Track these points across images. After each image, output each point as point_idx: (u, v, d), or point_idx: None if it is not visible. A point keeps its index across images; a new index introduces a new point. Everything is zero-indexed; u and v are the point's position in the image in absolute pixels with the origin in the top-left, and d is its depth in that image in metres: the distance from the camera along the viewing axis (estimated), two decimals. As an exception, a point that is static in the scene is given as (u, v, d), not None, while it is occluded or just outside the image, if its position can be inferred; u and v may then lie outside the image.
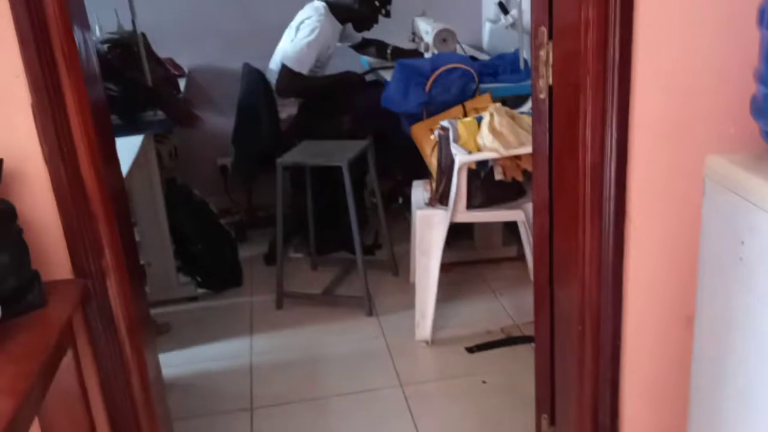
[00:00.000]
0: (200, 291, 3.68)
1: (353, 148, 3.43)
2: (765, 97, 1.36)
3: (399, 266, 3.79)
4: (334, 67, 4.11)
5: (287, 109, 3.97)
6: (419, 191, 3.26)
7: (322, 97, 3.98)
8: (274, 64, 3.96)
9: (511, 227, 3.53)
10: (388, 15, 4.09)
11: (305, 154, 3.50)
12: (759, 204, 1.34)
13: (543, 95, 1.89)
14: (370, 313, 3.41)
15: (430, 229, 3.00)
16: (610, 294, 1.73)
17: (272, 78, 3.93)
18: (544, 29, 1.83)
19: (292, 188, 3.94)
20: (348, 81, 4.07)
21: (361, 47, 4.39)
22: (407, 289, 3.40)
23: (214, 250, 3.71)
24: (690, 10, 1.50)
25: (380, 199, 3.71)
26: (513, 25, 3.84)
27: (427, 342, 3.12)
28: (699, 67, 1.52)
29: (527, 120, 2.84)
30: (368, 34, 4.28)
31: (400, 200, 3.98)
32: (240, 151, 4.15)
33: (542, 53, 1.84)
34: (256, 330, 3.38)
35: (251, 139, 3.96)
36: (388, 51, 4.27)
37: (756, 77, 1.38)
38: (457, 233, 3.35)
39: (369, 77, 4.19)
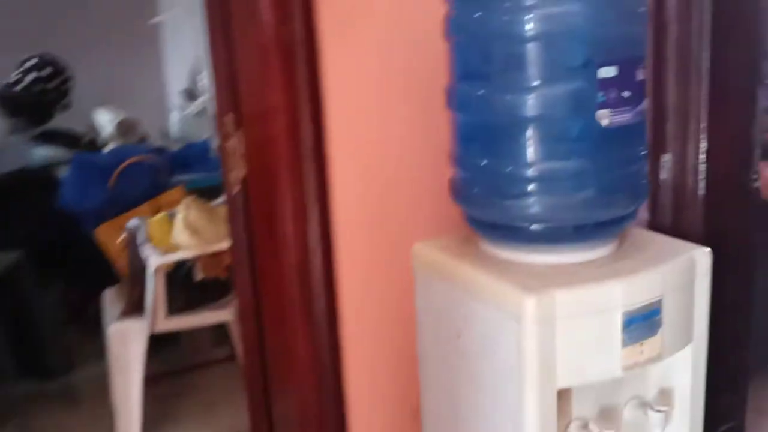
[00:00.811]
0: None
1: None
2: (463, 181, 1.32)
3: (95, 389, 3.30)
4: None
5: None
6: (111, 301, 2.89)
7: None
8: None
9: (221, 325, 3.28)
10: (66, 107, 3.72)
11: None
12: (470, 292, 1.28)
13: (236, 189, 1.72)
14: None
15: (126, 344, 2.65)
16: (331, 397, 1.61)
17: None
18: (230, 117, 1.68)
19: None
20: (24, 179, 3.57)
21: (40, 140, 3.90)
22: (107, 415, 2.94)
23: None
24: (380, 95, 1.45)
25: (54, 314, 3.24)
26: (202, 113, 3.69)
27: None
28: (396, 153, 1.47)
29: (225, 212, 2.66)
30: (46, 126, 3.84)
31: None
32: None
33: (231, 144, 1.68)
34: None
35: None
36: (73, 144, 3.85)
37: (452, 160, 1.34)
38: (161, 339, 3.02)
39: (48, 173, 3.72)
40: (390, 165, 1.48)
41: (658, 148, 1.55)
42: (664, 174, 1.56)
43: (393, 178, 1.48)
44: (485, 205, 1.28)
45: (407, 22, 1.45)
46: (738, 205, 1.63)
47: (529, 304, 1.14)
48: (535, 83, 1.17)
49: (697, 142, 1.53)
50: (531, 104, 1.17)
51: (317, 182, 1.46)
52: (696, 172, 1.55)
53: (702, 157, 1.54)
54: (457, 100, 1.30)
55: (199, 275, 2.67)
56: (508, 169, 1.22)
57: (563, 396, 1.22)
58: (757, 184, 1.63)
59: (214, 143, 3.48)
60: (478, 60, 1.24)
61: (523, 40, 1.16)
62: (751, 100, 1.58)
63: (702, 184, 1.56)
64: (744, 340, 1.69)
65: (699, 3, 1.46)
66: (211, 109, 3.44)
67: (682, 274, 1.27)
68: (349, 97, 1.43)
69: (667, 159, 1.55)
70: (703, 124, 1.52)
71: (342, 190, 1.46)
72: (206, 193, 3.18)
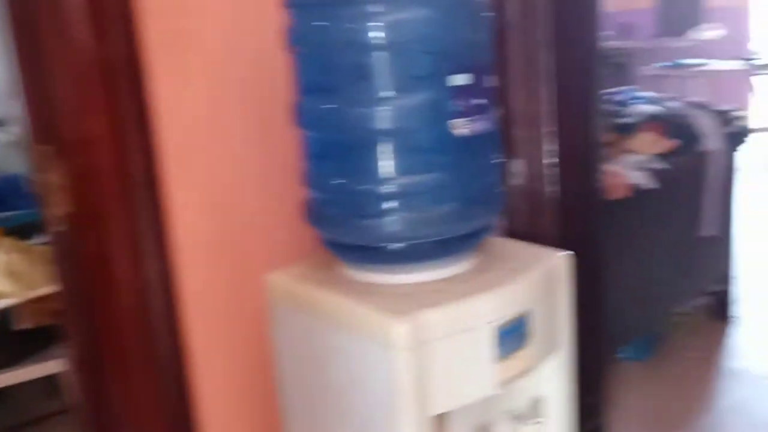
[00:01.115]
0: None
1: None
2: (317, 202, 1.23)
3: None
4: None
5: None
6: None
7: None
8: None
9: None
10: None
11: None
12: (333, 321, 1.19)
13: (59, 228, 1.53)
14: None
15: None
16: (185, 446, 1.44)
17: None
18: (46, 147, 1.49)
19: None
20: None
21: None
22: None
23: None
24: (218, 116, 1.33)
25: None
26: (12, 142, 3.35)
27: None
28: (240, 177, 1.36)
29: (47, 252, 2.41)
30: None
31: None
32: None
33: (49, 177, 1.49)
34: None
35: None
36: None
37: (303, 181, 1.24)
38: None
39: None
40: (235, 190, 1.36)
41: (509, 155, 1.54)
42: (517, 180, 1.56)
43: (239, 204, 1.36)
44: (342, 226, 1.20)
45: (244, 34, 1.34)
46: (587, 207, 1.66)
47: (399, 330, 1.06)
48: (386, 95, 1.10)
49: (547, 146, 1.54)
50: (383, 117, 1.11)
51: (152, 215, 1.32)
52: (547, 176, 1.56)
53: (552, 161, 1.55)
54: (303, 116, 1.21)
55: (22, 324, 2.40)
56: (363, 187, 1.15)
57: (437, 421, 1.16)
58: (601, 185, 1.67)
59: (29, 176, 3.17)
60: (324, 72, 1.16)
61: (370, 49, 1.09)
62: (593, 103, 1.62)
63: (553, 188, 1.57)
64: (600, 339, 1.72)
65: (540, 9, 1.47)
66: (24, 138, 3.13)
67: (546, 281, 1.25)
68: (183, 119, 1.30)
69: (518, 164, 1.55)
70: (552, 129, 1.54)
71: (182, 222, 1.32)
72: (21, 231, 2.87)
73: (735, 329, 3.00)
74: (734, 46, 5.47)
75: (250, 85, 1.34)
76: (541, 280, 1.24)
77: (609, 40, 4.01)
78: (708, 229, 2.73)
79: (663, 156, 2.49)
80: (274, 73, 1.30)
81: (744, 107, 5.47)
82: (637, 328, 2.61)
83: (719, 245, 2.88)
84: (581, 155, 1.62)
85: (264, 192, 1.37)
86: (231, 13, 1.33)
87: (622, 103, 2.73)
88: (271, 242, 1.38)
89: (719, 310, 3.05)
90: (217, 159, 1.34)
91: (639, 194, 2.32)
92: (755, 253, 3.54)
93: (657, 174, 2.40)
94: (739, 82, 5.49)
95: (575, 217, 1.61)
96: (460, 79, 1.12)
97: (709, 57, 5.24)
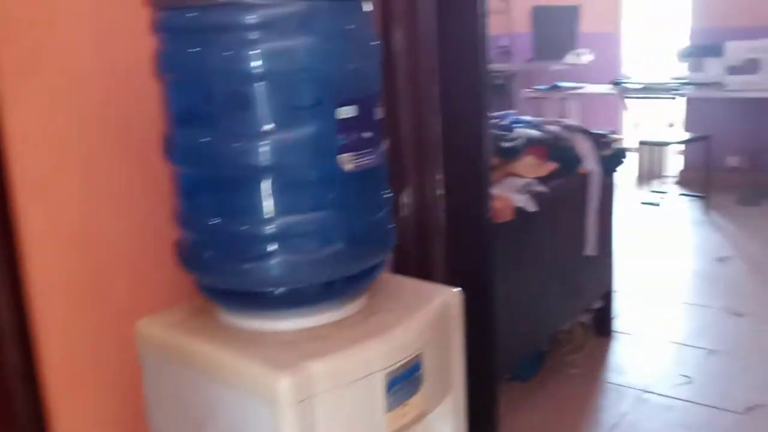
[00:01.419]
0: None
1: None
2: (191, 244, 1.12)
3: None
4: None
5: None
6: None
7: None
8: None
9: None
10: None
11: None
12: (211, 373, 1.08)
13: None
14: None
15: None
16: None
17: None
18: None
19: None
20: None
21: None
22: None
23: None
24: (83, 148, 1.20)
25: None
26: None
27: None
28: (107, 215, 1.23)
29: None
30: None
31: None
32: None
33: None
34: None
35: None
36: None
37: (176, 220, 1.13)
38: None
39: None
40: (101, 227, 1.23)
41: (398, 186, 1.48)
42: (406, 211, 1.50)
43: (105, 242, 1.23)
44: (219, 270, 1.10)
45: (112, 58, 1.21)
46: (477, 236, 1.62)
47: (283, 384, 0.97)
48: (266, 128, 1.02)
49: (436, 175, 1.50)
50: (263, 152, 1.02)
51: (3, 254, 1.17)
52: (436, 206, 1.52)
53: (441, 191, 1.51)
54: (175, 150, 1.10)
55: None
56: (242, 228, 1.05)
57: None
58: (490, 212, 1.64)
59: None
60: (198, 102, 1.05)
61: (248, 79, 1.00)
62: (482, 129, 1.59)
63: (443, 218, 1.53)
64: (493, 370, 1.69)
65: (425, 36, 1.42)
66: None
67: (438, 321, 1.19)
68: (41, 148, 1.16)
69: (407, 197, 1.50)
70: (440, 157, 1.49)
71: (39, 261, 1.18)
72: None
73: (616, 344, 3.08)
74: (608, 70, 5.71)
75: (120, 114, 1.22)
76: (433, 320, 1.18)
77: (489, 63, 4.08)
78: (591, 248, 2.79)
79: (545, 179, 2.53)
80: (148, 101, 1.19)
81: (618, 128, 5.73)
82: (522, 348, 2.63)
83: (600, 263, 2.96)
84: (471, 183, 1.59)
85: (135, 230, 1.25)
86: (96, 35, 1.20)
87: (507, 128, 2.75)
88: (142, 285, 1.26)
89: (601, 326, 3.12)
90: (80, 192, 1.21)
91: (523, 217, 2.34)
92: (632, 270, 3.67)
93: (540, 196, 2.42)
94: (613, 104, 5.73)
95: (465, 247, 1.58)
96: (346, 111, 1.05)
97: (585, 80, 5.46)
